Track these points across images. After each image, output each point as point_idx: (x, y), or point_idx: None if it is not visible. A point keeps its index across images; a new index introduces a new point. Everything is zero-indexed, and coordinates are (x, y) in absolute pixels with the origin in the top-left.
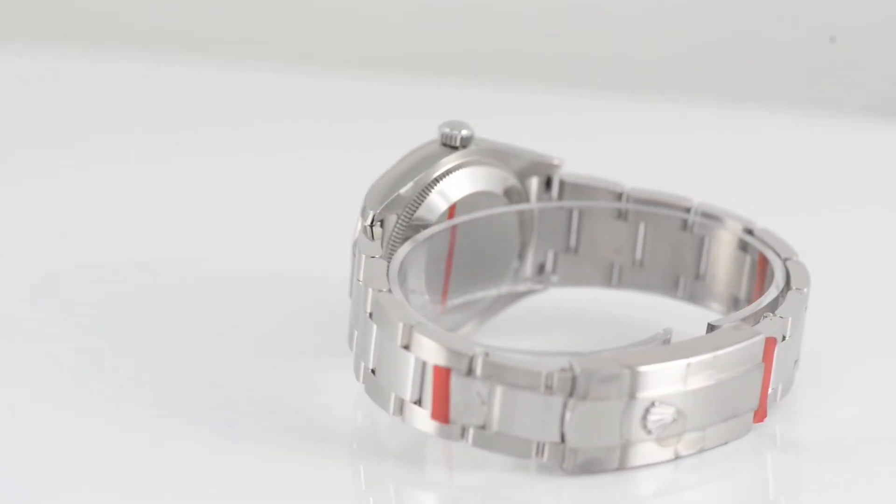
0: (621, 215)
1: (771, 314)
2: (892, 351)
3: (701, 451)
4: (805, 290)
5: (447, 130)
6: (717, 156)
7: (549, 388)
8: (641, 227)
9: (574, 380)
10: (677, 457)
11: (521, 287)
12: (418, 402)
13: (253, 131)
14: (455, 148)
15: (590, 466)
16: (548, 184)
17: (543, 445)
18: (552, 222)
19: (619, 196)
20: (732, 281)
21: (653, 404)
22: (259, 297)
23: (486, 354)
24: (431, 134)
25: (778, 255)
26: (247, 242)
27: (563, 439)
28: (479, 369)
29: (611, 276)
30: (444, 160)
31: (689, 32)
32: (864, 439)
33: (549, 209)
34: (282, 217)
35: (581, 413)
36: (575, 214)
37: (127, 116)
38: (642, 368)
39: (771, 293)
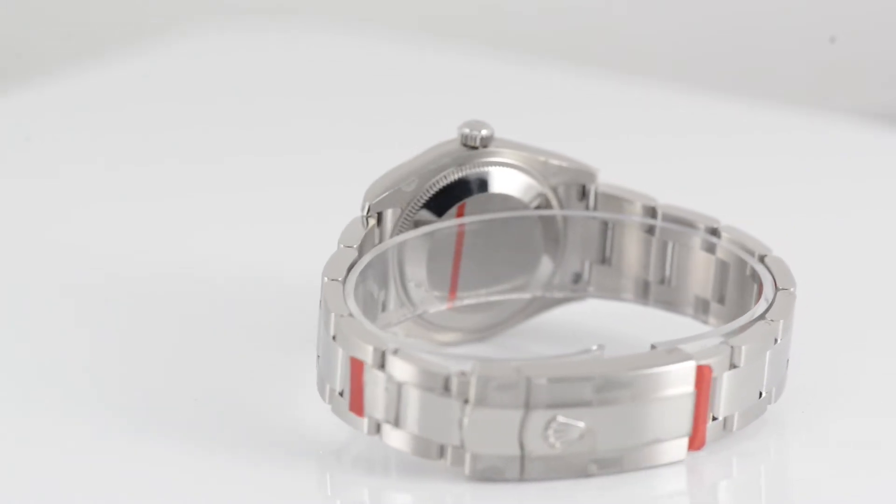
0: (650, 231)
1: (725, 341)
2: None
3: (620, 472)
4: (780, 321)
5: (467, 131)
6: (713, 156)
7: (447, 391)
8: (669, 246)
9: (469, 385)
10: (588, 475)
11: (556, 294)
12: (342, 394)
13: (252, 130)
14: (475, 148)
15: (490, 474)
16: (583, 192)
17: (446, 448)
18: (587, 232)
19: (650, 211)
20: (745, 307)
21: (555, 418)
22: (257, 297)
23: (396, 351)
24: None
25: (774, 284)
26: (246, 242)
27: (462, 444)
28: (388, 365)
29: (641, 292)
30: (458, 159)
31: (685, 30)
32: (812, 493)
33: (576, 218)
34: (280, 217)
35: (477, 419)
36: (610, 226)
37: (115, 116)
38: (542, 380)
39: (740, 321)
